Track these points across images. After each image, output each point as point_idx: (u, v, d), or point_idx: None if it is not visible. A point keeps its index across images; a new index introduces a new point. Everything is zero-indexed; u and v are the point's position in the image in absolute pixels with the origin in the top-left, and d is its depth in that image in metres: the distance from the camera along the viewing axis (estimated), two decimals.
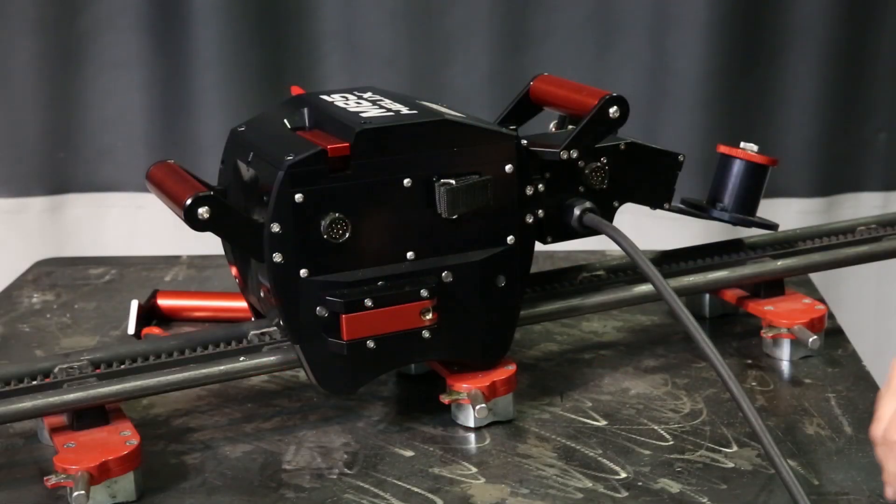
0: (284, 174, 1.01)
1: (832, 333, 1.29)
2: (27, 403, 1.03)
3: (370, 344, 1.06)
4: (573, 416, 1.14)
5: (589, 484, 1.02)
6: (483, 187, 1.08)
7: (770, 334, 1.25)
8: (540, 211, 1.14)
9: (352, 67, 1.99)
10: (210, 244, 1.21)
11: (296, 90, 1.24)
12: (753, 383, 1.20)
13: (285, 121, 1.13)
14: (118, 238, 2.04)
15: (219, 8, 1.94)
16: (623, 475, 1.03)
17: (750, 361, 1.25)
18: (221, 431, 1.13)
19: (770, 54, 1.98)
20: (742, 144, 1.29)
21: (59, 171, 2.03)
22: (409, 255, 1.07)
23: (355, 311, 1.04)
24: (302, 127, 1.13)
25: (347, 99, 1.15)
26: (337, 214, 1.03)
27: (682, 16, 1.94)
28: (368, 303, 1.04)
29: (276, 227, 1.02)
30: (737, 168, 1.28)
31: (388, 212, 1.06)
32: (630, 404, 1.16)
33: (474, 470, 1.05)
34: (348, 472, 1.05)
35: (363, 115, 1.08)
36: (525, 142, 1.12)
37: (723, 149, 1.29)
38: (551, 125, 1.27)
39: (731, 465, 1.04)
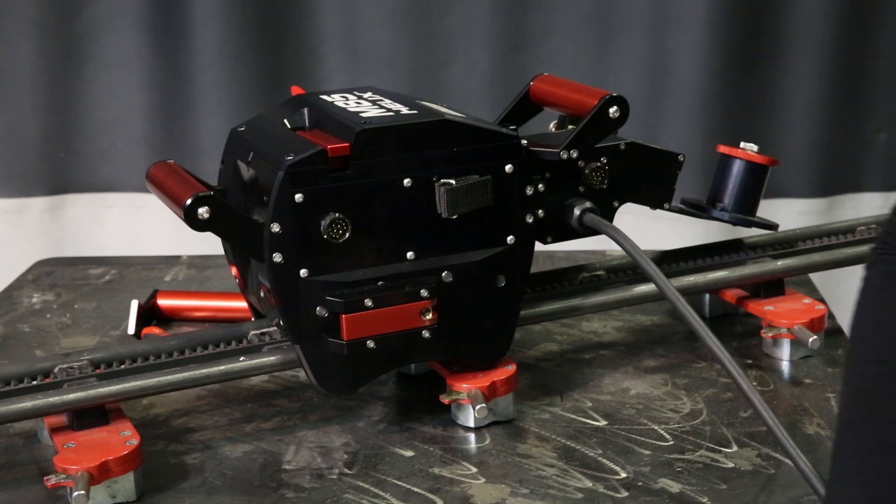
0: (284, 174, 1.01)
1: (832, 333, 1.29)
2: (27, 403, 1.03)
3: (370, 344, 1.06)
4: (573, 416, 1.14)
5: (589, 484, 1.02)
6: (483, 187, 1.08)
7: (770, 334, 1.25)
8: (540, 211, 1.14)
9: (352, 67, 1.99)
10: (210, 244, 1.21)
11: (296, 90, 1.24)
12: (753, 383, 1.20)
13: (285, 121, 1.13)
14: (118, 238, 2.05)
15: (219, 8, 1.94)
16: (623, 475, 1.03)
17: (750, 361, 1.25)
18: (221, 431, 1.13)
19: (770, 54, 1.98)
20: (742, 144, 1.29)
21: (59, 171, 2.03)
22: (409, 255, 1.07)
23: (355, 311, 1.04)
24: (302, 127, 1.13)
25: (347, 99, 1.15)
26: (337, 214, 1.03)
27: (682, 16, 1.94)
28: (368, 303, 1.04)
29: (276, 227, 1.02)
30: (737, 168, 1.28)
31: (388, 212, 1.06)
32: (630, 404, 1.16)
33: (474, 470, 1.05)
34: (348, 472, 1.05)
35: (363, 115, 1.08)
36: (525, 142, 1.12)
37: (723, 149, 1.29)
38: (551, 125, 1.27)
39: (731, 465, 1.04)
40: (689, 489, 1.00)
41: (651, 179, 1.22)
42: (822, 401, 1.16)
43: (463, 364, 1.13)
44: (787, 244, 1.35)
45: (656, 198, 1.23)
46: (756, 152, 1.28)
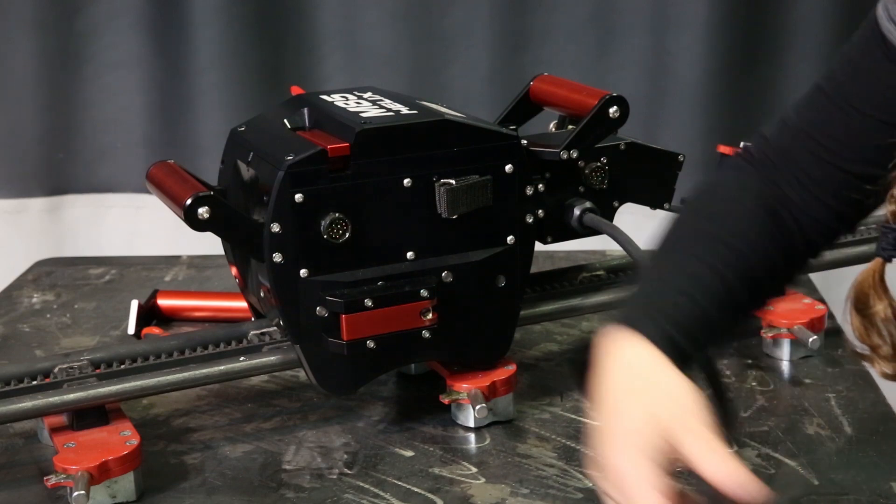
0: (284, 174, 1.01)
1: (832, 333, 1.29)
2: (27, 403, 1.03)
3: (370, 344, 1.06)
4: (573, 416, 1.14)
5: (589, 484, 1.02)
6: (483, 187, 1.08)
7: (770, 334, 1.25)
8: (540, 211, 1.14)
9: (352, 67, 1.99)
10: (210, 244, 1.21)
11: (296, 90, 1.24)
12: (753, 383, 1.20)
13: (285, 121, 1.13)
14: (117, 239, 2.04)
15: (219, 8, 1.94)
16: None
17: (750, 361, 1.25)
18: (221, 431, 1.13)
19: (770, 54, 1.98)
20: (742, 144, 1.29)
21: (59, 171, 2.03)
22: (409, 255, 1.07)
23: (355, 311, 1.04)
24: (302, 127, 1.13)
25: (347, 99, 1.15)
26: (337, 214, 1.03)
27: (682, 16, 1.94)
28: (368, 303, 1.04)
29: (276, 227, 1.02)
30: None
31: (388, 212, 1.06)
32: None
33: (474, 470, 1.05)
34: (348, 472, 1.05)
35: (363, 115, 1.08)
36: (525, 142, 1.12)
37: (723, 149, 1.29)
38: (551, 125, 1.27)
39: None
40: (689, 489, 1.00)
41: (651, 179, 1.22)
42: (822, 401, 1.16)
43: (463, 364, 1.13)
44: None
45: (656, 198, 1.23)
46: None
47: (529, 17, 1.97)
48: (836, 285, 1.78)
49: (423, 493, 1.01)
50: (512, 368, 1.13)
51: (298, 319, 1.05)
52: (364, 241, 1.05)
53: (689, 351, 0.82)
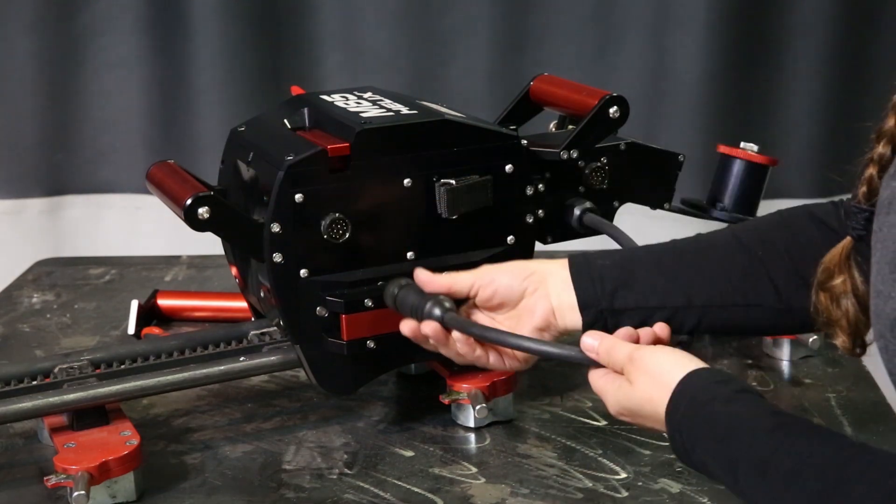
0: (284, 174, 1.01)
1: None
2: (27, 403, 1.03)
3: (370, 344, 1.06)
4: (573, 416, 1.14)
5: (589, 484, 1.02)
6: (483, 187, 1.08)
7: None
8: (540, 211, 1.14)
9: (352, 67, 1.99)
10: (210, 244, 1.21)
11: (296, 90, 1.24)
12: (753, 383, 1.20)
13: (285, 121, 1.13)
14: (117, 239, 2.04)
15: (218, 8, 1.94)
16: (623, 475, 1.03)
17: (750, 361, 1.25)
18: (221, 431, 1.13)
19: (770, 54, 1.98)
20: (742, 144, 1.29)
21: (58, 172, 2.03)
22: (409, 255, 1.07)
23: (355, 311, 1.04)
24: (302, 127, 1.13)
25: (347, 99, 1.15)
26: (337, 214, 1.03)
27: (682, 16, 1.94)
28: (368, 303, 1.04)
29: (276, 227, 1.02)
30: (737, 168, 1.28)
31: (388, 212, 1.06)
32: None
33: (474, 470, 1.05)
34: (348, 472, 1.05)
35: (363, 115, 1.08)
36: (525, 142, 1.12)
37: (723, 149, 1.29)
38: (551, 125, 1.27)
39: None
40: (689, 489, 1.00)
41: (651, 179, 1.22)
42: (823, 401, 1.16)
43: (463, 364, 1.13)
44: None
45: (656, 198, 1.23)
46: (756, 152, 1.28)
47: (529, 17, 1.97)
48: None
49: (423, 493, 1.01)
50: None
51: (298, 319, 1.05)
52: (364, 241, 1.05)
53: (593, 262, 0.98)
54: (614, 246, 1.13)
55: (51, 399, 1.04)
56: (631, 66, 1.97)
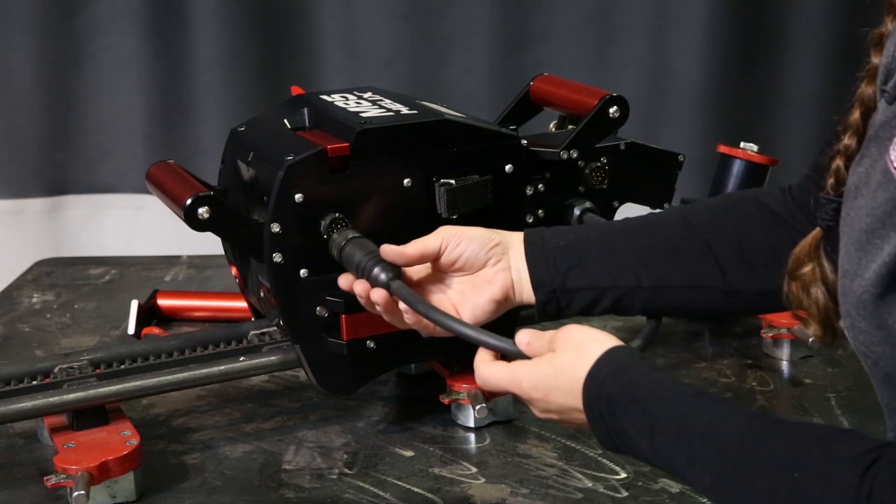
0: (284, 174, 1.01)
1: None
2: (27, 403, 1.03)
3: (370, 344, 1.06)
4: None
5: (589, 484, 1.02)
6: (483, 187, 1.08)
7: (770, 334, 1.25)
8: (540, 211, 1.14)
9: (352, 67, 1.99)
10: (210, 244, 1.21)
11: (296, 90, 1.24)
12: (753, 383, 1.20)
13: (285, 121, 1.13)
14: (117, 239, 2.05)
15: (219, 8, 1.94)
16: (623, 475, 1.03)
17: (750, 361, 1.25)
18: (221, 431, 1.13)
19: (770, 54, 1.98)
20: (742, 144, 1.29)
21: (58, 172, 2.03)
22: None
23: (355, 312, 1.04)
24: (302, 127, 1.13)
25: (347, 99, 1.15)
26: (337, 214, 1.03)
27: (682, 16, 1.94)
28: None
29: (276, 227, 1.02)
30: (737, 168, 1.28)
31: (388, 212, 1.06)
32: None
33: (474, 470, 1.05)
34: (348, 472, 1.05)
35: (363, 115, 1.08)
36: (525, 142, 1.12)
37: (723, 149, 1.29)
38: (551, 125, 1.27)
39: None
40: (689, 489, 1.00)
41: (651, 179, 1.22)
42: (822, 401, 1.16)
43: (463, 364, 1.13)
44: None
45: (656, 198, 1.23)
46: (756, 152, 1.28)
47: (529, 17, 1.97)
48: None
49: (423, 493, 1.01)
50: None
51: (298, 319, 1.05)
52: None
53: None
54: None
55: (51, 399, 1.04)
56: (631, 66, 1.98)
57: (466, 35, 1.98)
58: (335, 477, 1.04)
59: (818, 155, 0.93)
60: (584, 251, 0.99)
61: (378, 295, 0.95)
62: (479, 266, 0.99)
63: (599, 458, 1.06)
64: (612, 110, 1.13)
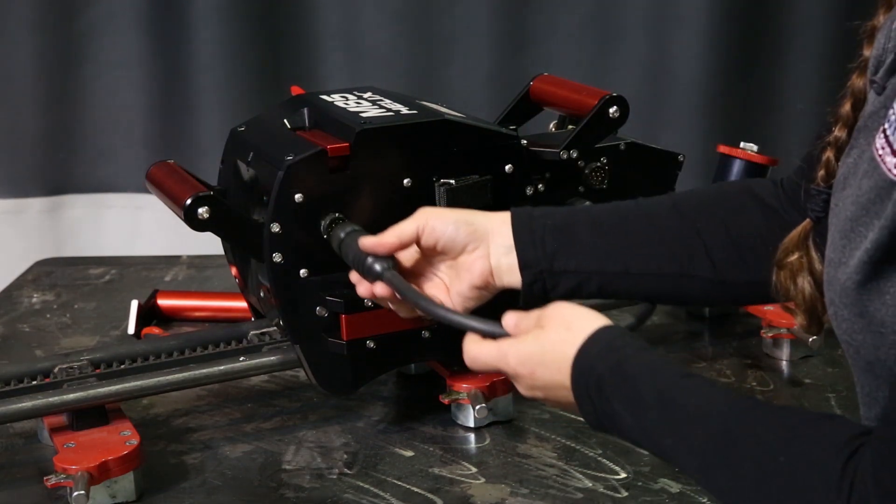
0: (284, 174, 1.01)
1: (832, 333, 1.28)
2: (27, 403, 1.03)
3: (370, 344, 1.06)
4: (573, 416, 1.14)
5: (589, 484, 1.02)
6: (483, 187, 1.08)
7: (770, 334, 1.25)
8: None
9: (352, 67, 1.99)
10: (210, 244, 1.21)
11: (296, 90, 1.24)
12: (753, 383, 1.20)
13: (285, 121, 1.13)
14: (117, 239, 2.04)
15: (219, 8, 1.94)
16: (623, 475, 1.03)
17: (750, 361, 1.25)
18: (221, 431, 1.13)
19: (770, 54, 1.98)
20: (742, 144, 1.29)
21: (58, 171, 2.03)
22: None
23: (355, 311, 1.04)
24: (302, 127, 1.13)
25: (347, 99, 1.15)
26: (337, 214, 1.03)
27: (682, 16, 1.94)
28: (368, 303, 1.04)
29: (276, 227, 1.02)
30: (737, 168, 1.28)
31: (388, 212, 1.06)
32: None
33: (474, 470, 1.05)
34: (348, 472, 1.05)
35: (363, 115, 1.08)
36: (525, 142, 1.12)
37: (723, 149, 1.29)
38: (551, 125, 1.27)
39: None
40: (689, 489, 1.00)
41: (651, 179, 1.22)
42: (822, 401, 1.16)
43: (463, 364, 1.13)
44: None
45: None
46: (756, 152, 1.28)
47: (529, 17, 1.97)
48: None
49: (423, 493, 1.01)
50: None
51: (298, 319, 1.05)
52: None
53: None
54: None
55: (51, 399, 1.04)
56: (631, 66, 1.98)
57: (466, 35, 1.98)
58: (335, 477, 1.04)
59: (810, 147, 0.92)
60: (573, 233, 0.98)
61: (381, 289, 0.95)
62: (459, 251, 0.98)
63: (599, 459, 1.06)
64: (612, 110, 1.13)
